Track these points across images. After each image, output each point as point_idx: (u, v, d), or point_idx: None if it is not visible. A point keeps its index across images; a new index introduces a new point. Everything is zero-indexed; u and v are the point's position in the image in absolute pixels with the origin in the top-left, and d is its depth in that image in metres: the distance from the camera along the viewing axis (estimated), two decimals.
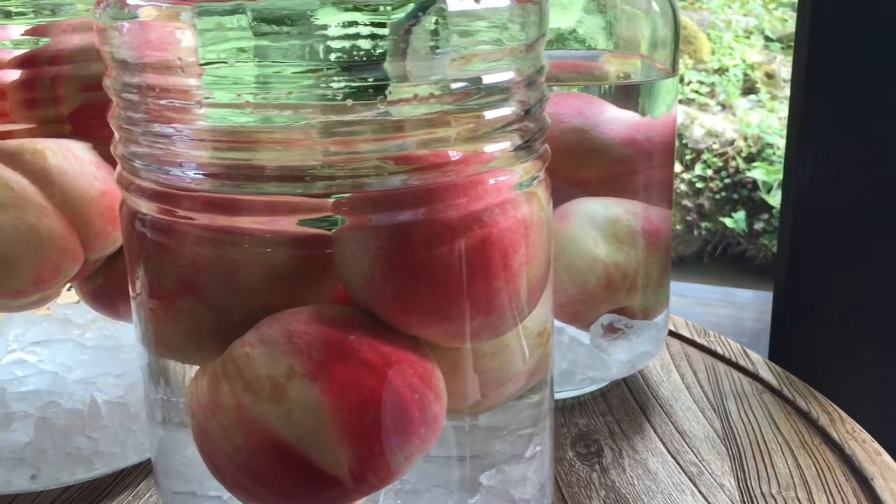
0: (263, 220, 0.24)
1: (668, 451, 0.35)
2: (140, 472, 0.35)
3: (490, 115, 0.23)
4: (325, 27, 0.22)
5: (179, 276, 0.25)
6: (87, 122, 0.33)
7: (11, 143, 0.31)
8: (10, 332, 0.37)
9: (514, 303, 0.25)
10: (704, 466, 0.34)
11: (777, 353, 0.48)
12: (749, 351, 0.44)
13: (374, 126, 0.23)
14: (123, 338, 0.37)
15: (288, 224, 0.24)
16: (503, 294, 0.24)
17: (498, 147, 0.24)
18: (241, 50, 0.23)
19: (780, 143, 2.20)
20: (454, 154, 0.23)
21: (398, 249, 0.23)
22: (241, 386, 0.23)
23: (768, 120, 2.09)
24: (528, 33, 0.24)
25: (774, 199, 2.16)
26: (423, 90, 0.23)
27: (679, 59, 0.37)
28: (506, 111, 0.24)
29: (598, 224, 0.37)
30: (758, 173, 2.01)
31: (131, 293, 0.27)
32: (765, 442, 0.36)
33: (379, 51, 0.22)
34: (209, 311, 0.25)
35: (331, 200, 0.24)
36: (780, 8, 2.28)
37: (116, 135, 0.26)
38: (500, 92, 0.23)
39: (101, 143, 0.33)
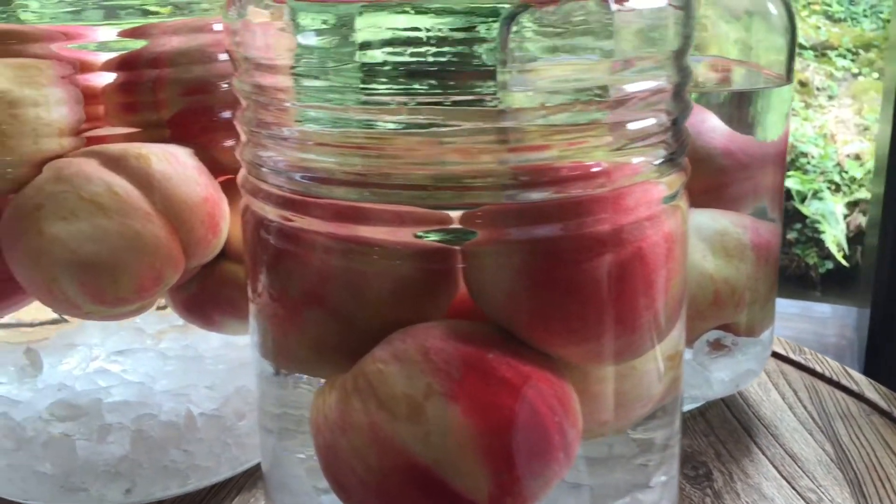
0: (393, 230, 0.24)
1: (782, 476, 0.34)
2: (232, 486, 0.35)
3: (638, 125, 0.23)
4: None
5: (306, 285, 0.24)
6: (187, 127, 0.32)
7: (115, 148, 0.31)
8: (88, 341, 0.37)
9: (656, 322, 0.24)
10: (823, 493, 0.33)
11: (873, 371, 0.46)
12: (850, 370, 0.43)
13: (515, 135, 0.22)
14: (202, 348, 0.37)
15: (413, 235, 0.24)
16: (648, 313, 0.23)
17: (645, 159, 0.23)
18: None
19: (815, 151, 2.17)
20: (601, 166, 0.22)
21: (544, 264, 0.22)
22: (375, 404, 0.22)
23: (802, 129, 2.05)
24: (676, 39, 0.23)
25: (808, 208, 2.13)
26: (555, 99, 0.22)
27: (794, 66, 0.36)
28: (653, 121, 0.23)
29: (706, 236, 0.36)
30: (791, 182, 1.97)
31: (251, 301, 0.26)
32: (882, 467, 0.35)
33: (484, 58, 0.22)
34: (335, 323, 0.24)
35: (460, 212, 0.23)
36: (813, 16, 2.23)
37: (243, 137, 0.26)
38: (648, 102, 0.23)
39: (200, 148, 0.32)
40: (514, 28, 0.22)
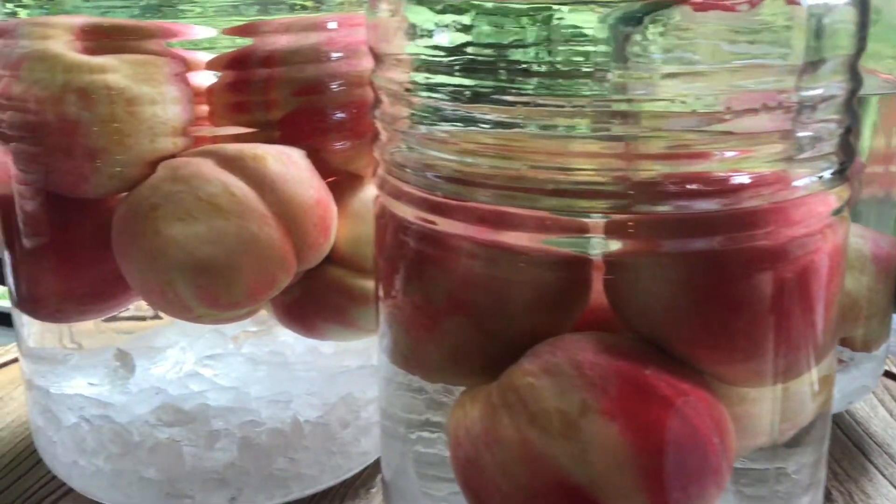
0: (537, 237, 0.23)
1: None
2: (334, 495, 0.34)
3: (809, 134, 0.22)
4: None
5: (448, 292, 0.24)
6: (299, 128, 0.32)
7: (231, 148, 0.30)
8: (173, 343, 0.36)
9: (816, 341, 0.23)
10: None
11: None
12: None
13: (676, 141, 0.22)
14: (288, 353, 0.36)
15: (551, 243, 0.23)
16: (811, 331, 0.22)
17: (816, 170, 0.22)
18: None
19: None
20: (770, 176, 0.21)
21: (709, 279, 0.21)
22: (526, 419, 0.22)
23: None
24: (853, 42, 0.22)
25: None
26: (726, 105, 0.21)
27: None
28: (825, 131, 0.22)
29: None
30: None
31: (383, 305, 0.26)
32: None
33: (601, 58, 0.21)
34: (476, 331, 0.24)
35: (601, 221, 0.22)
36: None
37: (384, 136, 0.25)
38: (820, 110, 0.22)
39: (310, 150, 0.32)
40: (646, 28, 0.21)
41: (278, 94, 0.32)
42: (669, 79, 0.21)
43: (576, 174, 0.22)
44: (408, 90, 0.24)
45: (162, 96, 0.29)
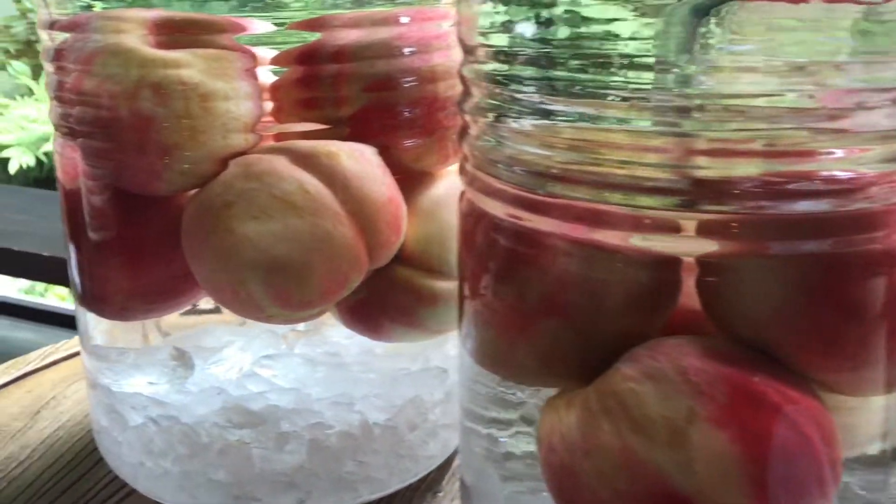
0: (634, 236, 0.22)
1: None
2: (401, 499, 0.34)
3: None
4: None
5: (543, 292, 0.23)
6: (369, 125, 0.31)
7: (305, 144, 0.30)
8: (231, 343, 0.36)
9: None
10: None
11: None
12: None
13: (782, 138, 0.21)
14: (344, 353, 0.36)
15: (653, 242, 0.22)
16: None
17: None
18: None
19: None
20: (886, 177, 0.21)
21: (823, 282, 0.21)
22: (628, 427, 0.21)
23: None
24: None
25: None
26: (842, 101, 0.21)
27: None
28: None
29: None
30: None
31: (470, 306, 0.25)
32: None
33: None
34: (571, 334, 0.23)
35: (706, 219, 0.22)
36: None
37: (473, 130, 0.24)
38: None
39: (380, 147, 0.31)
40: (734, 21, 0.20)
41: (348, 90, 0.31)
42: (777, 74, 0.21)
43: (678, 172, 0.22)
44: (498, 82, 0.23)
45: (235, 92, 0.29)
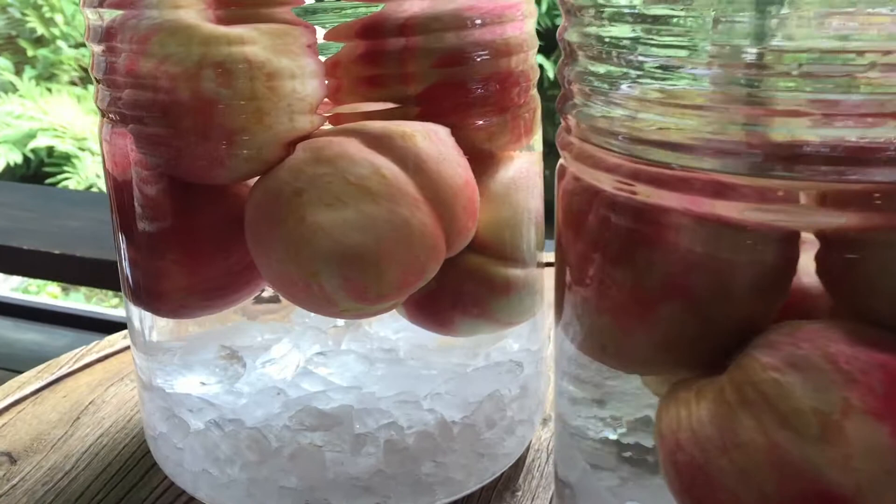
0: (764, 210, 0.21)
1: None
2: (477, 500, 0.32)
3: None
4: None
5: (666, 275, 0.21)
6: (440, 104, 0.29)
7: (377, 125, 0.28)
8: (279, 340, 0.34)
9: None
10: None
11: None
12: None
13: None
14: (401, 350, 0.34)
15: (783, 216, 0.21)
16: None
17: None
18: None
19: None
20: None
21: None
22: (774, 420, 0.20)
23: None
24: None
25: None
26: None
27: None
28: None
29: None
30: None
31: (574, 290, 0.24)
32: None
33: None
34: (695, 319, 0.22)
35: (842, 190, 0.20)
36: None
37: (577, 99, 0.23)
38: None
39: (451, 127, 0.29)
40: None
41: (417, 66, 0.29)
42: None
43: (806, 135, 0.20)
44: (618, 46, 0.22)
45: (301, 70, 0.27)
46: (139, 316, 0.32)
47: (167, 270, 0.30)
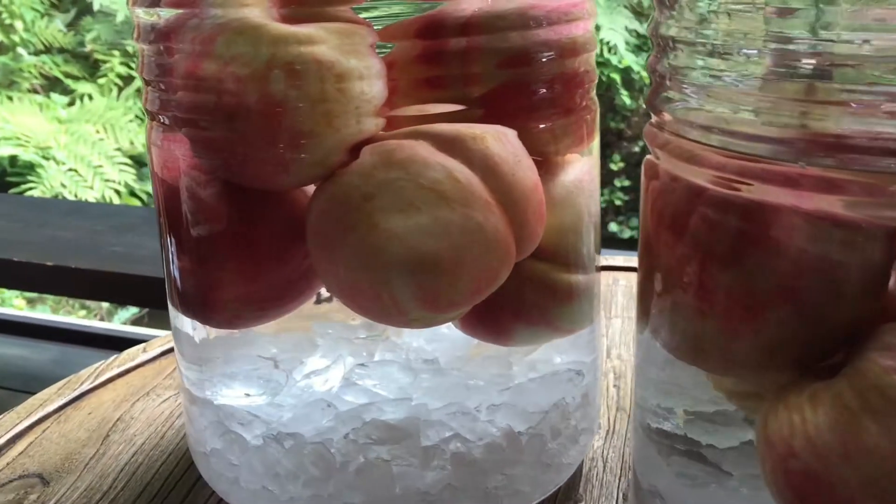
0: (873, 205, 0.20)
1: None
2: None
3: None
4: None
5: (778, 276, 0.21)
6: (503, 106, 0.29)
7: (446, 128, 0.27)
8: (314, 351, 0.34)
9: None
10: None
11: None
12: None
13: None
14: (441, 360, 0.33)
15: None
16: None
17: None
18: None
19: None
20: None
21: None
22: None
23: None
24: None
25: None
26: None
27: None
28: None
29: None
30: None
31: (669, 296, 0.23)
32: None
33: None
34: (806, 322, 0.21)
35: None
36: None
37: (672, 93, 0.22)
38: None
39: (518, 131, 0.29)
40: None
41: (480, 67, 0.29)
42: None
43: None
44: (707, 37, 0.21)
45: (368, 70, 0.26)
46: (192, 326, 0.31)
47: (224, 279, 0.29)
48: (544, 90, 0.29)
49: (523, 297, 0.31)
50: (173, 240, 0.30)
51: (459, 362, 0.34)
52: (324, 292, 0.31)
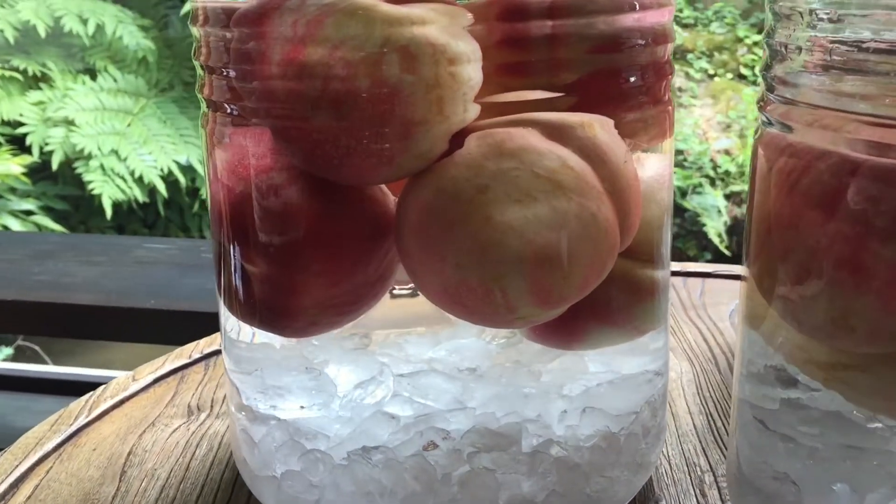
0: None
1: None
2: None
3: None
4: None
5: None
6: (597, 94, 0.29)
7: (551, 116, 0.27)
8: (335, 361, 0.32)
9: None
10: None
11: None
12: None
13: None
14: (479, 368, 0.33)
15: None
16: None
17: None
18: None
19: (691, 148, 2.40)
20: None
21: None
22: None
23: (677, 127, 2.26)
24: None
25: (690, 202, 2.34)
26: None
27: None
28: None
29: None
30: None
31: (812, 276, 0.23)
32: None
33: None
34: None
35: None
36: None
37: (813, 63, 0.22)
38: None
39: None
40: None
41: (570, 53, 0.28)
42: None
43: None
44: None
45: (474, 54, 0.26)
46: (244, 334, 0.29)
47: (304, 284, 0.27)
48: (635, 79, 0.29)
49: (607, 295, 0.30)
50: (239, 247, 0.28)
51: (499, 370, 0.33)
52: None
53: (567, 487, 0.28)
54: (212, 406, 0.41)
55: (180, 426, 0.39)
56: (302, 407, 0.31)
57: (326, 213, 0.27)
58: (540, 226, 0.25)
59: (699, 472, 0.34)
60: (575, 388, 0.31)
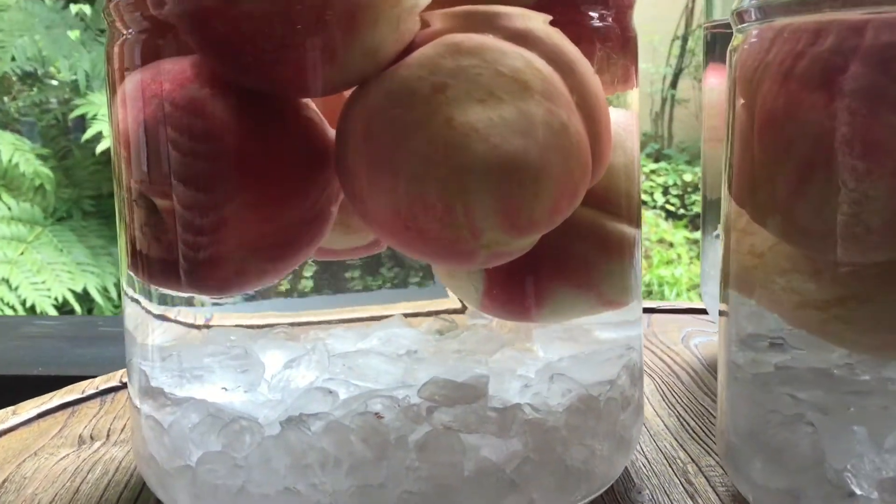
0: None
1: None
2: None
3: None
4: None
5: None
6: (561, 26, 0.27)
7: (516, 20, 0.25)
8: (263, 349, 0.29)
9: None
10: None
11: None
12: None
13: None
14: (419, 351, 0.30)
15: None
16: None
17: None
18: None
19: None
20: None
21: None
22: None
23: None
24: None
25: None
26: None
27: None
28: None
29: None
30: None
31: (815, 170, 0.21)
32: None
33: None
34: None
35: None
36: None
37: None
38: None
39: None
40: None
41: None
42: None
43: None
44: None
45: None
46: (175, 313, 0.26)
47: (231, 219, 0.24)
48: (596, 9, 0.28)
49: (570, 249, 0.28)
50: (151, 183, 0.25)
51: (443, 355, 0.30)
52: None
53: (543, 455, 0.25)
54: (108, 435, 0.36)
55: (69, 454, 0.34)
56: (224, 389, 0.27)
57: (257, 133, 0.24)
58: (506, 129, 0.23)
59: (681, 464, 0.31)
60: (530, 370, 0.28)
